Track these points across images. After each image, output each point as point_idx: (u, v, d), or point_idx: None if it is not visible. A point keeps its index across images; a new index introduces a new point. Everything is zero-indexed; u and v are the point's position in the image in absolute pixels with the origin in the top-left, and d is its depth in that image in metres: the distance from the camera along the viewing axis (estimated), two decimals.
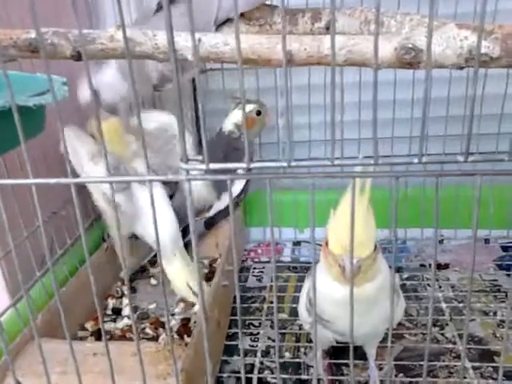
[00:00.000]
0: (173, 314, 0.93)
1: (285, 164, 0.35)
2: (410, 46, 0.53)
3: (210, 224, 1.04)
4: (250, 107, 1.06)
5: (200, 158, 0.38)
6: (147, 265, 1.07)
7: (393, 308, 0.41)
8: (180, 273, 0.91)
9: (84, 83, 0.83)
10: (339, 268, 0.59)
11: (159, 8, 0.81)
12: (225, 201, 1.02)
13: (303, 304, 0.75)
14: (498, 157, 0.35)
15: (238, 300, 0.44)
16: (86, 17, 1.04)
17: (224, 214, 1.03)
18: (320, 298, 0.63)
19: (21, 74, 0.58)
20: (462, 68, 0.54)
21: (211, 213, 1.04)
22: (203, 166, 0.37)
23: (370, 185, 0.58)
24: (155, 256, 1.03)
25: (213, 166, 0.37)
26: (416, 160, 0.34)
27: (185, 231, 0.95)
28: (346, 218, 0.53)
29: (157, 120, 0.94)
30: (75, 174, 0.81)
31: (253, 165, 0.36)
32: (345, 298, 0.57)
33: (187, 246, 1.01)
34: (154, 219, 0.42)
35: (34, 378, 0.64)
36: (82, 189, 0.93)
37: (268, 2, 0.80)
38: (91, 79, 0.52)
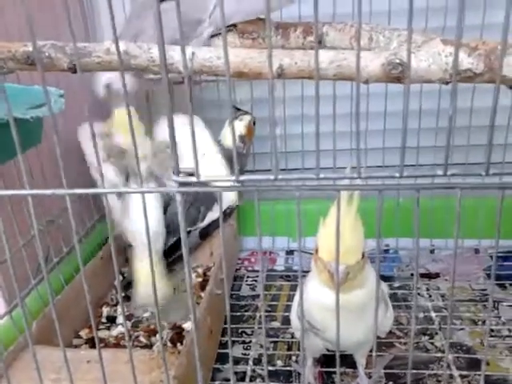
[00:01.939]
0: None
1: (272, 177, 0.36)
2: (398, 61, 0.55)
3: (205, 234, 1.05)
4: (247, 118, 1.08)
5: (191, 170, 0.39)
6: None
7: (376, 315, 0.42)
8: (146, 275, 0.90)
9: (98, 78, 0.86)
10: (328, 274, 0.61)
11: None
12: (217, 211, 1.04)
13: (295, 312, 0.76)
14: (475, 171, 0.36)
15: (227, 308, 0.45)
16: (82, 28, 1.06)
17: (218, 223, 1.04)
18: (311, 305, 0.65)
19: (19, 87, 0.59)
20: (447, 83, 0.56)
21: (205, 222, 1.05)
22: (194, 179, 0.38)
23: (358, 195, 0.60)
24: None
25: (204, 178, 0.38)
26: (397, 174, 0.35)
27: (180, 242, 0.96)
28: (334, 225, 0.55)
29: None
30: (70, 185, 0.82)
31: (242, 177, 0.38)
32: (334, 303, 0.59)
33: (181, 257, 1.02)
34: (146, 226, 0.44)
35: None
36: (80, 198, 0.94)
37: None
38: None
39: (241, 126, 1.07)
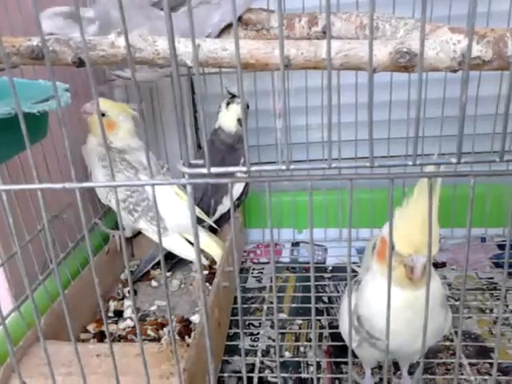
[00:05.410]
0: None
1: (283, 167, 0.36)
2: (405, 50, 0.54)
3: (215, 228, 1.05)
4: (239, 101, 1.07)
5: (201, 162, 0.39)
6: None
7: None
8: (208, 241, 0.97)
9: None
10: (405, 269, 0.56)
11: (156, 3, 0.82)
12: (227, 204, 1.04)
13: (346, 322, 0.66)
14: (489, 158, 0.36)
15: (239, 300, 0.45)
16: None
17: (227, 216, 1.04)
18: (373, 311, 0.61)
19: (23, 81, 0.59)
20: (455, 71, 0.56)
21: (216, 216, 1.05)
22: (204, 170, 0.38)
23: (440, 181, 0.55)
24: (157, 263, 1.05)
25: (214, 169, 0.38)
26: (410, 162, 0.35)
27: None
28: (417, 216, 0.53)
29: None
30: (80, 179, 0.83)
31: (252, 168, 0.37)
32: (403, 303, 0.57)
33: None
34: (157, 216, 0.43)
35: (40, 379, 0.65)
36: (86, 192, 0.96)
37: (265, 7, 0.82)
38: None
39: (238, 109, 1.06)
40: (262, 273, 1.14)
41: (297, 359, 0.85)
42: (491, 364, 0.79)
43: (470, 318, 0.92)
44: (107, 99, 0.98)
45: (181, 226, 0.94)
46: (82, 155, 0.98)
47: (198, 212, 0.99)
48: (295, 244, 1.25)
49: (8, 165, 0.72)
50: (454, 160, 0.35)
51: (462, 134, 0.35)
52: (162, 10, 0.83)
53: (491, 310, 0.94)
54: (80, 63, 0.60)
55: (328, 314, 0.96)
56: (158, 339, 0.87)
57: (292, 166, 0.37)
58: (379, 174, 0.37)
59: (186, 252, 0.96)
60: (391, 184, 0.37)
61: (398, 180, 0.37)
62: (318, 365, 0.83)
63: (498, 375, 0.76)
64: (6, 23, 0.75)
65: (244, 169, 0.38)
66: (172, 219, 0.94)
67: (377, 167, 0.36)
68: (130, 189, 0.94)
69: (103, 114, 0.94)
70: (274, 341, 0.90)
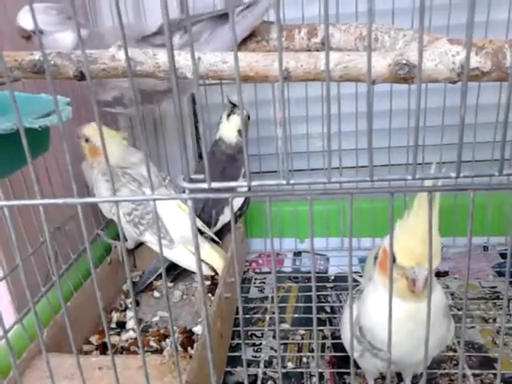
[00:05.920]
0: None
1: (284, 182, 0.36)
2: (404, 61, 0.55)
3: (218, 238, 1.05)
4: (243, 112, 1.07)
5: (202, 176, 0.39)
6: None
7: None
8: (210, 252, 0.97)
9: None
10: (406, 281, 0.56)
11: (145, 37, 0.83)
12: (228, 214, 1.04)
13: (347, 331, 0.68)
14: (489, 170, 0.36)
15: (240, 311, 0.45)
16: None
17: (229, 226, 1.04)
18: (375, 322, 0.61)
19: (25, 95, 0.59)
20: (454, 82, 0.56)
21: (218, 227, 1.05)
22: (205, 185, 0.38)
23: (439, 194, 0.55)
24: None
25: (214, 184, 0.38)
26: (410, 176, 0.35)
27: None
28: (418, 228, 0.54)
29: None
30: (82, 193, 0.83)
31: (253, 183, 0.37)
32: (405, 315, 0.56)
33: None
34: (158, 229, 0.43)
35: None
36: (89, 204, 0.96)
37: (264, 18, 0.82)
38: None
39: (239, 120, 1.06)
40: (264, 283, 1.14)
41: (299, 370, 0.85)
42: (495, 375, 0.79)
43: (472, 327, 0.91)
44: (93, 124, 0.95)
45: (184, 238, 0.94)
46: (82, 170, 0.99)
47: (201, 225, 0.99)
48: (297, 253, 1.24)
49: (11, 179, 0.72)
50: (453, 174, 0.35)
51: (461, 146, 0.35)
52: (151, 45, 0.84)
53: (494, 320, 0.94)
54: (81, 77, 0.60)
55: (331, 324, 0.96)
56: (160, 350, 0.87)
57: (292, 181, 0.37)
58: (379, 188, 0.38)
59: (191, 264, 0.96)
60: (391, 197, 0.37)
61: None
62: (321, 375, 0.83)
63: None
64: (5, 22, 0.75)
65: (244, 184, 0.38)
66: (177, 232, 0.95)
67: (377, 181, 0.36)
68: (134, 202, 0.94)
69: (87, 140, 0.94)
70: (276, 351, 0.90)
